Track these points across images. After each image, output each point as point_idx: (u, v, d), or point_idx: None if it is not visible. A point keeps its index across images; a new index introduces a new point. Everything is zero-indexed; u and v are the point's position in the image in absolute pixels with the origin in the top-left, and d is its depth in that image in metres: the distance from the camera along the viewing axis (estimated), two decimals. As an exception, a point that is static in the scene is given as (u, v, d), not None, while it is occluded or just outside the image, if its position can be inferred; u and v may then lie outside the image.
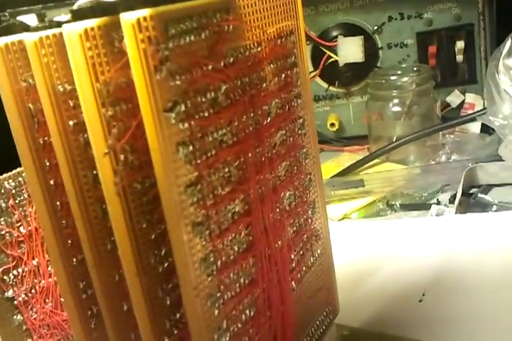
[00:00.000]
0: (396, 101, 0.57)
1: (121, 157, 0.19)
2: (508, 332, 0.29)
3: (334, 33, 0.61)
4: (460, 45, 0.60)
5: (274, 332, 0.24)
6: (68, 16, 0.19)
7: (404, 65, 0.62)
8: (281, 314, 0.24)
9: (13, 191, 0.29)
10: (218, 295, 0.21)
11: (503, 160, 0.50)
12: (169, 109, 0.18)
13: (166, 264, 0.21)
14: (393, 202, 0.48)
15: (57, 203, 0.21)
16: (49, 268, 0.31)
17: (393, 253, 0.39)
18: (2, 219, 0.29)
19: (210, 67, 0.20)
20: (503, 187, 0.49)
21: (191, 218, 0.20)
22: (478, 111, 0.54)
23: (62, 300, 0.29)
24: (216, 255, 0.21)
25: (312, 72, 0.62)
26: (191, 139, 0.19)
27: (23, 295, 0.30)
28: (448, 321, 0.31)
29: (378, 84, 0.58)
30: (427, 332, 0.30)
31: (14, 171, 0.29)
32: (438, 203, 0.47)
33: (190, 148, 0.19)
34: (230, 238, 0.22)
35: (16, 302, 0.30)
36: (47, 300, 0.31)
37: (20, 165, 0.21)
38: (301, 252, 0.27)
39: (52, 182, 0.21)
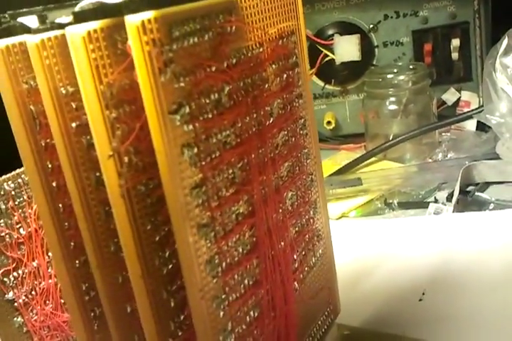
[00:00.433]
0: (392, 99, 0.57)
1: (126, 159, 0.19)
2: (507, 330, 0.29)
3: (330, 32, 0.61)
4: (455, 43, 0.60)
5: (277, 333, 0.24)
6: (70, 18, 0.19)
7: (400, 63, 0.62)
8: (284, 314, 0.24)
9: (13, 192, 0.29)
10: (223, 296, 0.21)
11: (499, 158, 0.50)
12: (174, 111, 0.18)
13: (170, 266, 0.21)
14: (391, 201, 0.49)
15: (60, 205, 0.21)
16: (49, 270, 0.30)
17: (392, 252, 0.39)
18: (2, 220, 0.29)
19: (213, 69, 0.20)
20: (500, 185, 0.49)
21: (197, 220, 0.19)
22: (475, 109, 0.55)
23: (64, 302, 0.29)
24: (221, 256, 0.21)
25: (309, 70, 0.62)
26: (196, 141, 0.19)
27: (24, 297, 0.30)
28: (448, 320, 0.31)
29: (374, 82, 0.58)
30: (427, 331, 0.30)
31: (14, 172, 0.29)
32: (436, 201, 0.47)
33: (195, 149, 0.19)
34: (234, 239, 0.22)
35: (16, 304, 0.30)
36: (47, 302, 0.31)
37: (19, 166, 0.21)
38: (303, 252, 0.27)
39: (54, 184, 0.21)
